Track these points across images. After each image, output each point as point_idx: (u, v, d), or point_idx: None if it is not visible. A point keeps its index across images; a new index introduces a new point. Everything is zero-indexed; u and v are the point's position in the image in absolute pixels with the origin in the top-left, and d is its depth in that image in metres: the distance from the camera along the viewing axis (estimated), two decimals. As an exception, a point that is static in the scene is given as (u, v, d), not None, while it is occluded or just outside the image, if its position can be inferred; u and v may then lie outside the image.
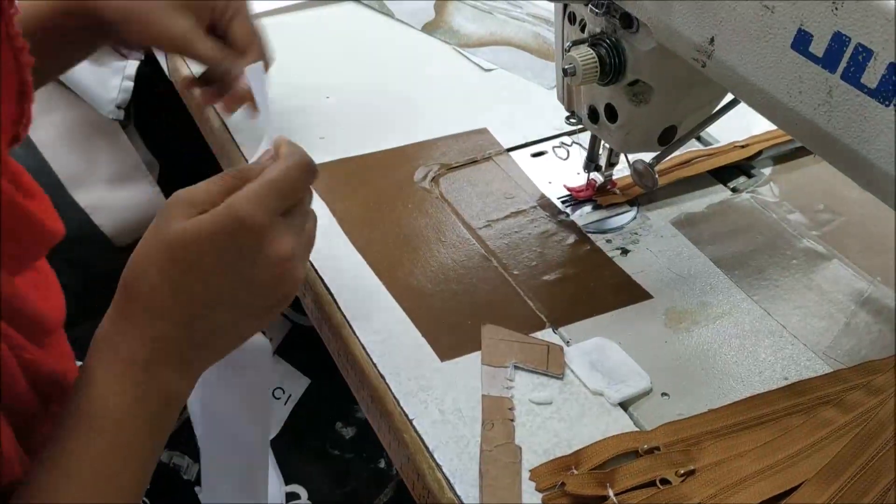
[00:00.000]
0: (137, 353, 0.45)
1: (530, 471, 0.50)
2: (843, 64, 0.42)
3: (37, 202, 0.45)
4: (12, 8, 0.41)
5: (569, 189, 0.72)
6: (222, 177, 0.49)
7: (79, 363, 0.57)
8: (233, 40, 0.66)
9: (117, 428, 0.44)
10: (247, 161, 0.73)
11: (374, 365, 0.57)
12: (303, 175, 0.48)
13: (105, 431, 0.44)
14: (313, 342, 0.75)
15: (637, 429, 0.53)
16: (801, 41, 0.43)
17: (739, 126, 0.75)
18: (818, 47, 0.43)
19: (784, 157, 0.77)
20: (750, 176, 0.75)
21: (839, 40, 0.42)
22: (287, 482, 0.76)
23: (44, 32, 0.62)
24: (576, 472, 0.50)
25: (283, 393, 0.80)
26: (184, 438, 0.79)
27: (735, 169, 0.75)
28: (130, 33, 0.64)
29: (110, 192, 1.01)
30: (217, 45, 0.65)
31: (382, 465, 0.77)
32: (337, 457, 0.78)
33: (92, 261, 0.98)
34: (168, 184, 1.07)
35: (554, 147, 0.77)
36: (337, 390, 0.79)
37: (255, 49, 0.67)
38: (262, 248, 0.46)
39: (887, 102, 0.41)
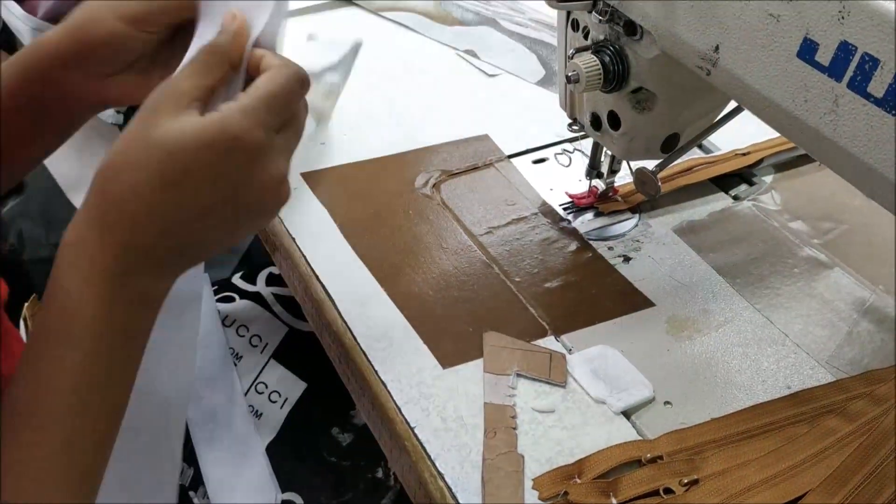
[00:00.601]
0: (110, 263, 0.42)
1: (533, 480, 0.50)
2: (849, 73, 0.42)
3: None
4: None
5: (570, 196, 0.71)
6: (201, 62, 0.45)
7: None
8: None
9: (94, 337, 0.42)
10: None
11: (376, 372, 0.56)
12: (298, 87, 0.45)
13: (82, 341, 0.42)
14: (310, 347, 0.75)
15: (640, 437, 0.53)
16: (808, 50, 0.43)
17: (740, 134, 0.75)
18: (824, 56, 0.43)
19: (785, 165, 0.77)
20: (751, 184, 0.75)
21: (845, 49, 0.42)
22: (283, 489, 0.75)
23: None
24: (579, 481, 0.50)
25: (280, 397, 0.79)
26: None
27: (736, 177, 0.75)
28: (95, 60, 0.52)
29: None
30: None
31: (380, 474, 0.77)
32: (334, 464, 0.77)
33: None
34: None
35: (556, 154, 0.76)
36: (333, 396, 0.79)
37: None
38: (256, 170, 0.43)
39: (894, 112, 0.41)
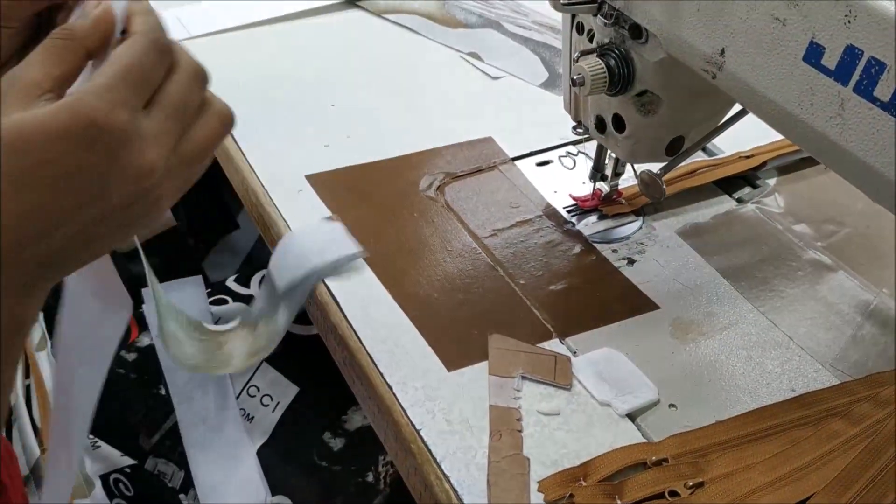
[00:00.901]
0: None
1: (538, 482, 0.50)
2: (855, 77, 0.42)
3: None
4: None
5: (574, 198, 0.71)
6: (51, 47, 0.39)
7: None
8: None
9: None
10: (250, 166, 0.73)
11: (381, 374, 0.56)
12: (156, 56, 0.39)
13: None
14: (302, 350, 0.75)
15: (645, 440, 0.53)
16: (814, 54, 0.43)
17: (744, 136, 0.75)
18: (830, 60, 0.43)
19: (788, 167, 0.77)
20: (755, 186, 0.75)
21: (852, 53, 0.42)
22: (273, 492, 0.75)
23: None
24: (584, 483, 0.50)
25: (272, 400, 0.79)
26: (169, 445, 0.78)
27: (740, 179, 0.75)
28: None
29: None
30: None
31: (370, 478, 0.77)
32: (324, 468, 0.77)
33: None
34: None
35: (560, 156, 0.77)
36: (325, 400, 0.79)
37: None
38: (120, 157, 0.38)
39: (900, 115, 0.41)
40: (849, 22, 0.42)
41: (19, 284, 0.39)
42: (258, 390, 0.80)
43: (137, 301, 0.87)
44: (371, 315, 0.60)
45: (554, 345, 0.59)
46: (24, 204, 0.37)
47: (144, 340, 0.84)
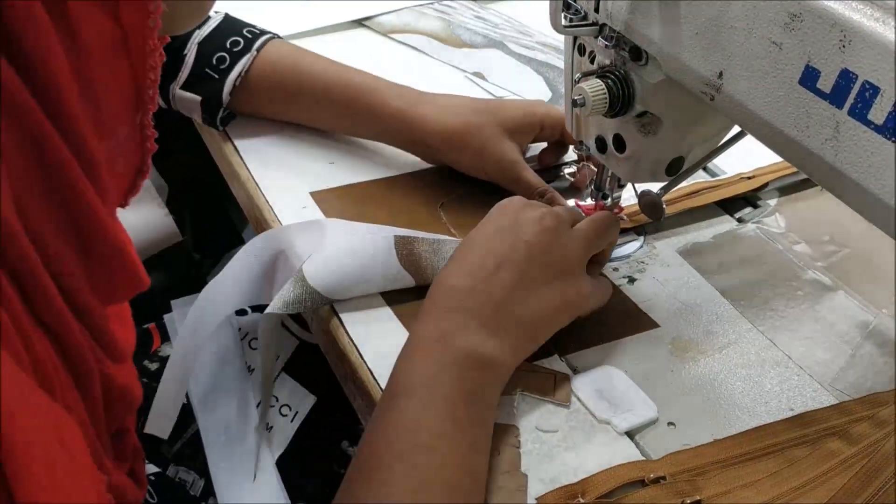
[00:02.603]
0: (435, 328, 0.53)
1: (536, 499, 0.51)
2: (850, 100, 0.43)
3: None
4: (151, 104, 0.46)
5: (576, 215, 0.72)
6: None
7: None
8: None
9: (427, 389, 0.50)
10: (255, 182, 0.74)
11: (382, 390, 0.57)
12: (612, 232, 0.62)
13: (415, 393, 0.50)
14: (320, 360, 0.75)
15: (643, 458, 0.54)
16: (809, 77, 0.44)
17: (745, 157, 0.76)
18: (826, 83, 0.43)
19: (789, 188, 0.77)
20: (756, 206, 0.75)
21: (846, 77, 0.42)
22: (293, 502, 0.76)
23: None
24: (582, 500, 0.50)
25: (290, 410, 0.80)
26: (190, 454, 0.79)
27: (741, 199, 0.76)
28: (461, 162, 0.74)
29: (120, 213, 1.02)
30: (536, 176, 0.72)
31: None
32: (343, 477, 0.77)
33: (100, 281, 0.98)
34: (177, 206, 1.08)
35: (560, 174, 0.77)
36: (343, 409, 0.79)
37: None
38: (568, 278, 0.58)
39: (894, 138, 0.41)
40: (843, 46, 0.42)
41: (479, 324, 0.53)
42: (277, 400, 0.80)
43: (160, 310, 0.88)
44: (372, 330, 0.61)
45: (553, 362, 0.60)
46: (515, 273, 0.56)
47: (167, 350, 0.84)
